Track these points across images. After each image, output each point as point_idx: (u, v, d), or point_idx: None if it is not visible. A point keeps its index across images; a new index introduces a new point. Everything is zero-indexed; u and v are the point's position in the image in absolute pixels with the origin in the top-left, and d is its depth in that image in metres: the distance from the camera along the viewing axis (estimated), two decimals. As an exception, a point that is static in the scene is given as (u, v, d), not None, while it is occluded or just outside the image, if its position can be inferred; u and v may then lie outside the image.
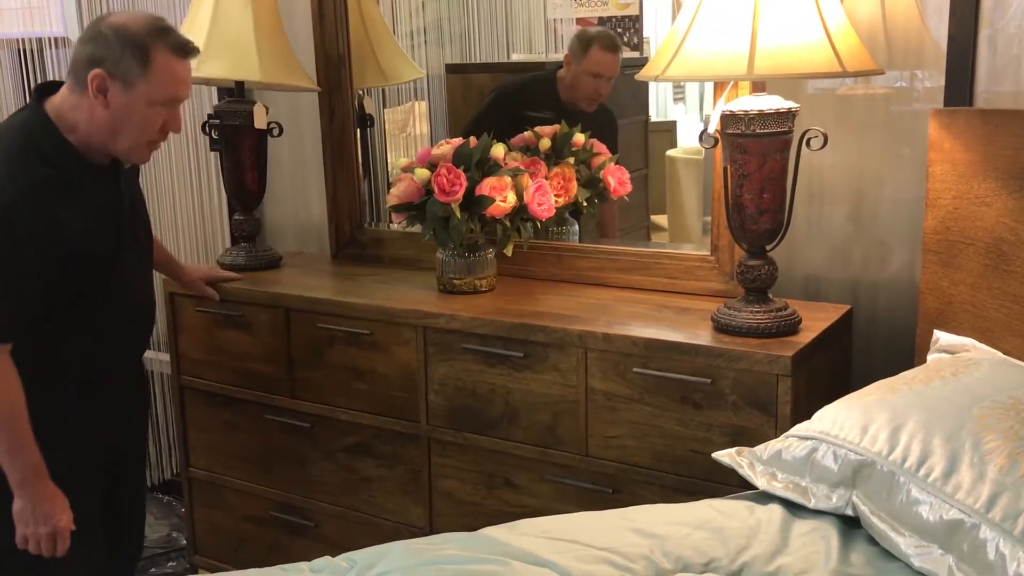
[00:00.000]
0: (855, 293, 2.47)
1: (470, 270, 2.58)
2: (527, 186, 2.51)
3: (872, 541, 1.63)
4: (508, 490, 2.43)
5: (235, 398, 2.84)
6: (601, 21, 2.83)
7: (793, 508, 1.74)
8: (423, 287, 2.67)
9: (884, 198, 2.40)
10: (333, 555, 1.73)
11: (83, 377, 2.27)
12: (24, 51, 3.33)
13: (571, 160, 2.72)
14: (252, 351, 2.77)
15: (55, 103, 2.15)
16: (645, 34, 2.83)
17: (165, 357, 3.34)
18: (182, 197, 3.51)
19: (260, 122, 2.85)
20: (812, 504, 1.71)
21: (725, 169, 2.15)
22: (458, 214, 2.47)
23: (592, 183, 2.74)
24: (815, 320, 2.22)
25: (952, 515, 1.51)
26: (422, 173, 2.50)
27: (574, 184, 2.70)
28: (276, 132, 2.93)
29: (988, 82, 2.22)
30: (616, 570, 1.56)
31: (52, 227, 2.08)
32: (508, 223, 2.53)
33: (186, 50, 2.15)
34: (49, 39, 3.38)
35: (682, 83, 2.98)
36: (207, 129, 2.90)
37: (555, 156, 2.74)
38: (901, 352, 2.37)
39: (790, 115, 2.07)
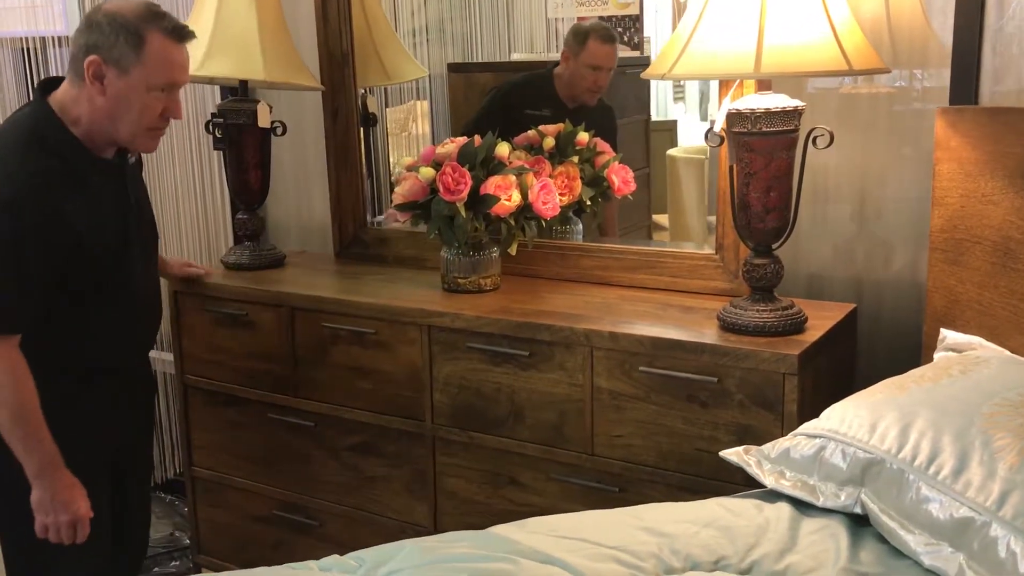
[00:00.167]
0: (859, 292, 2.47)
1: (474, 269, 2.58)
2: (532, 185, 2.51)
3: (881, 539, 1.63)
4: (513, 489, 2.43)
5: (239, 397, 2.84)
6: (601, 20, 2.84)
7: (801, 506, 1.74)
8: (427, 286, 2.66)
9: (887, 197, 2.41)
10: (338, 554, 1.73)
11: (89, 373, 2.27)
12: (27, 50, 3.32)
13: (575, 159, 2.72)
14: (256, 350, 2.77)
15: (58, 97, 2.16)
16: (645, 33, 2.83)
17: (168, 356, 3.34)
18: (185, 196, 3.51)
19: (264, 121, 2.85)
20: (821, 502, 1.71)
21: (731, 168, 2.15)
22: (463, 213, 2.46)
23: (596, 182, 2.74)
24: (820, 319, 2.22)
25: (962, 513, 1.51)
26: (427, 172, 2.49)
27: (578, 183, 2.70)
28: (280, 131, 2.93)
29: (993, 80, 2.22)
30: (626, 568, 1.56)
31: (58, 219, 2.09)
32: (513, 222, 2.53)
33: (181, 34, 2.14)
34: (52, 38, 3.38)
35: (682, 82, 2.98)
36: (211, 128, 2.90)
37: (559, 155, 2.74)
38: (905, 351, 2.37)
39: (796, 113, 2.07)
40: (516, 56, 3.06)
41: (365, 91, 3.09)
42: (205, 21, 2.76)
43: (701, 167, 2.88)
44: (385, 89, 3.23)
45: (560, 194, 2.61)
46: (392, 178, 3.23)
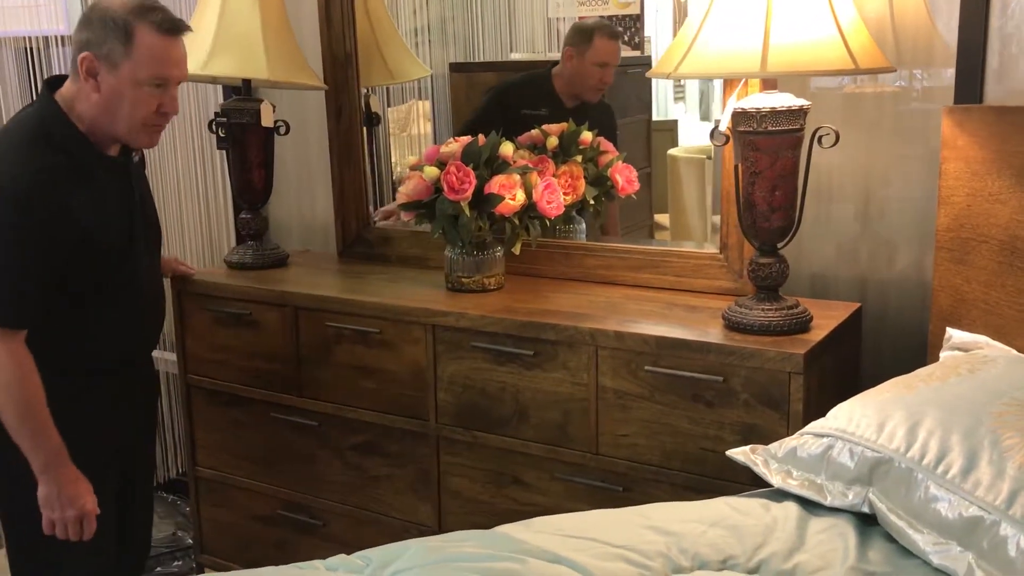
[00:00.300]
0: (863, 291, 2.47)
1: (478, 268, 2.58)
2: (536, 184, 2.51)
3: (889, 538, 1.63)
4: (518, 488, 2.43)
5: (242, 397, 2.83)
6: (584, 20, 2.85)
7: (809, 505, 1.74)
8: (431, 285, 2.66)
9: (891, 196, 2.40)
10: (344, 554, 1.72)
11: (93, 371, 2.28)
12: (30, 49, 3.32)
13: (578, 158, 2.72)
14: (259, 350, 2.76)
15: (63, 94, 2.17)
16: (646, 33, 2.83)
17: (170, 356, 3.34)
18: (187, 195, 3.51)
19: (267, 120, 2.85)
20: (828, 501, 1.71)
21: (736, 167, 2.15)
22: (467, 212, 2.46)
23: (600, 181, 2.75)
24: (825, 318, 2.22)
25: (971, 512, 1.51)
26: (431, 171, 2.49)
27: (582, 182, 2.71)
28: (283, 130, 2.93)
29: (998, 80, 2.22)
30: (634, 567, 1.56)
31: (65, 214, 2.09)
32: (517, 221, 2.53)
33: (173, 28, 2.12)
34: (54, 37, 3.38)
35: (682, 82, 2.99)
36: (214, 127, 2.90)
37: (562, 154, 2.74)
38: (909, 350, 2.37)
39: (802, 112, 2.07)
40: (516, 56, 3.06)
41: (368, 91, 3.08)
42: (209, 20, 2.76)
43: (702, 167, 2.88)
44: (387, 89, 3.23)
45: (564, 193, 2.61)
46: (394, 177, 3.24)
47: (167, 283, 2.84)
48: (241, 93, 2.90)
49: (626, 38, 2.82)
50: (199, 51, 2.73)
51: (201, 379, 2.91)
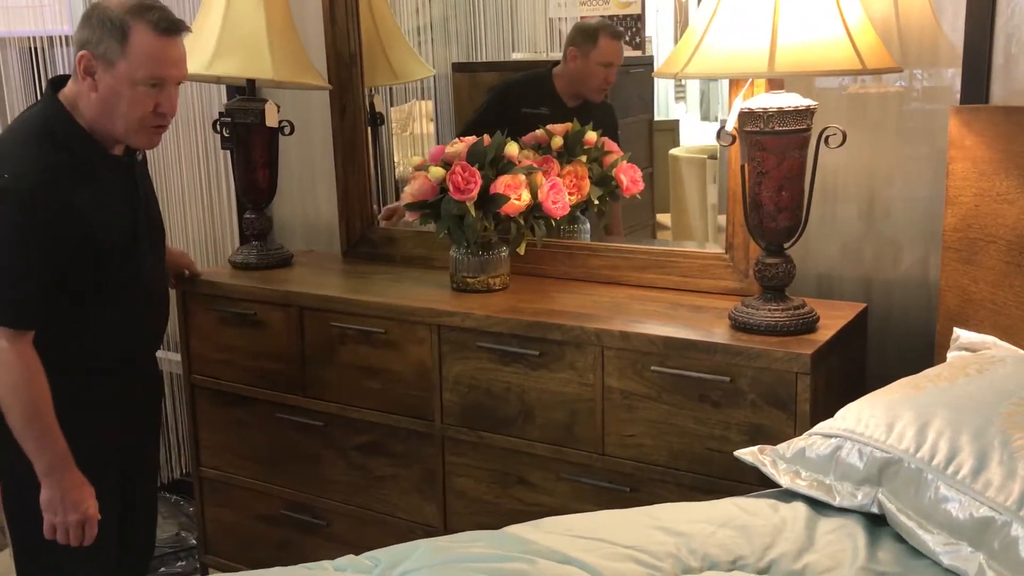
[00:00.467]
0: (868, 291, 2.47)
1: (483, 268, 2.58)
2: (542, 184, 2.51)
3: (899, 539, 1.63)
4: (523, 489, 2.43)
5: (246, 397, 2.83)
6: (587, 21, 2.85)
7: (817, 506, 1.74)
8: (436, 285, 2.66)
9: (896, 196, 2.40)
10: (346, 554, 1.72)
11: (96, 369, 2.27)
12: (34, 50, 3.32)
13: (583, 158, 2.72)
14: (264, 350, 2.76)
15: (66, 93, 2.17)
16: (647, 33, 2.84)
17: (174, 356, 3.34)
18: (191, 196, 3.51)
19: (272, 120, 2.85)
20: (837, 502, 1.71)
21: (743, 167, 2.15)
22: (473, 212, 2.46)
23: (604, 181, 2.74)
24: (831, 318, 2.22)
25: (982, 512, 1.51)
26: (437, 171, 2.49)
27: (587, 182, 2.70)
28: (287, 131, 2.92)
29: (1004, 80, 2.22)
30: (644, 568, 1.56)
31: (69, 213, 2.09)
32: (522, 221, 2.53)
33: (169, 28, 2.11)
34: (59, 37, 3.38)
35: (683, 82, 2.99)
36: (218, 127, 2.89)
37: (567, 154, 2.74)
38: (915, 350, 2.37)
39: (809, 112, 2.07)
40: (517, 56, 3.06)
41: (372, 91, 3.08)
42: (213, 21, 2.76)
43: (703, 167, 2.88)
44: (390, 89, 3.22)
45: (568, 193, 2.60)
46: (396, 177, 3.23)
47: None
48: (245, 93, 2.90)
49: (627, 38, 2.82)
50: (204, 51, 2.73)
51: (205, 379, 2.91)
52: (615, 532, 1.67)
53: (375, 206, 3.08)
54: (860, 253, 2.47)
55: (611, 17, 2.83)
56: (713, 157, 2.85)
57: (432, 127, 3.26)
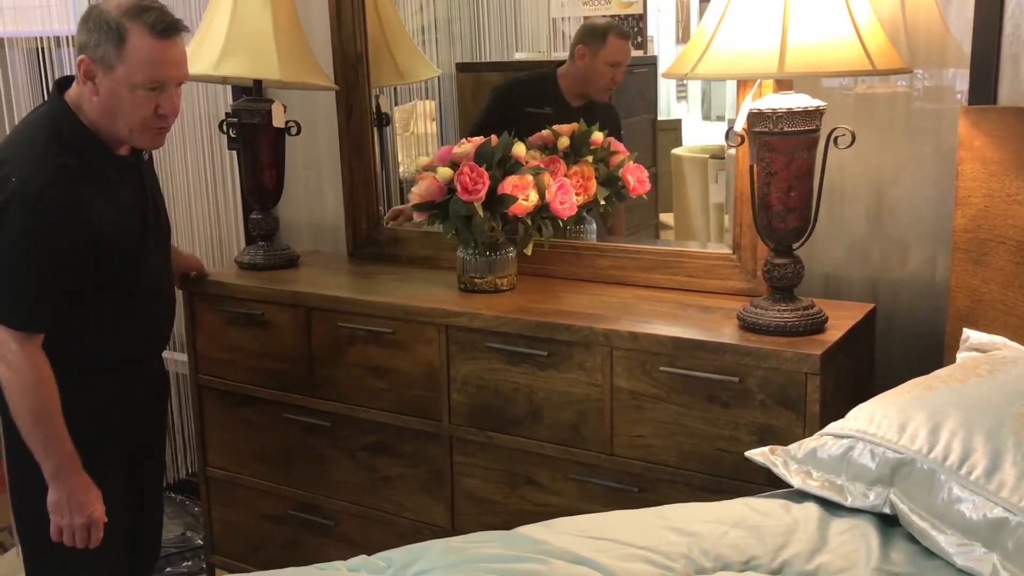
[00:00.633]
0: (875, 291, 2.47)
1: (491, 269, 2.58)
2: (549, 185, 2.51)
3: (911, 539, 1.63)
4: (531, 489, 2.43)
5: (254, 397, 2.83)
6: (596, 20, 2.86)
7: (829, 506, 1.74)
8: (443, 286, 2.66)
9: (903, 196, 2.41)
10: (353, 554, 1.73)
11: (105, 368, 2.28)
12: (41, 50, 3.32)
13: (589, 158, 2.72)
14: (271, 350, 2.76)
15: (70, 95, 2.17)
16: (649, 33, 2.84)
17: (180, 357, 3.34)
18: (197, 196, 3.51)
19: (278, 121, 2.85)
20: (849, 502, 1.71)
21: (751, 168, 2.15)
22: (481, 213, 2.46)
23: (611, 182, 2.75)
24: (840, 318, 2.22)
25: (996, 513, 1.51)
26: (445, 172, 2.49)
27: (593, 183, 2.71)
28: (294, 131, 2.92)
29: (1012, 80, 2.22)
30: (656, 568, 1.56)
31: (79, 214, 2.09)
32: (530, 222, 2.53)
33: (166, 30, 2.09)
34: (65, 37, 3.37)
35: (685, 81, 2.99)
36: (225, 128, 2.89)
37: (573, 154, 2.74)
38: (922, 350, 2.38)
39: (818, 113, 2.07)
40: (520, 56, 3.07)
41: (378, 91, 3.08)
42: (220, 21, 2.76)
43: (705, 166, 2.88)
44: (393, 88, 3.23)
45: (575, 194, 2.61)
46: (400, 177, 3.24)
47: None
48: (251, 93, 2.90)
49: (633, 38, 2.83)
50: (211, 52, 2.73)
51: (212, 379, 2.91)
52: (627, 532, 1.67)
53: (381, 207, 3.08)
54: (867, 253, 2.47)
55: (613, 17, 2.84)
56: (715, 157, 2.85)
57: (434, 127, 3.26)
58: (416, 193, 2.54)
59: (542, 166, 2.57)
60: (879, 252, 2.46)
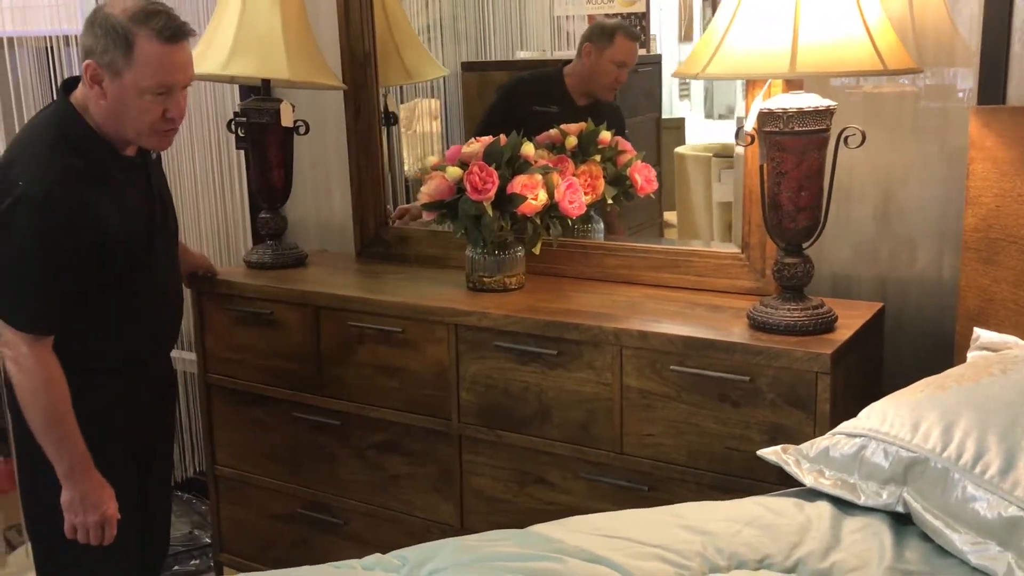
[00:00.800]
0: (883, 291, 2.47)
1: (499, 268, 2.59)
2: (558, 184, 2.51)
3: (925, 538, 1.64)
4: (541, 487, 2.43)
5: (263, 396, 2.84)
6: (607, 18, 2.87)
7: (842, 505, 1.74)
8: (452, 285, 2.67)
9: (911, 195, 2.41)
10: (362, 553, 1.73)
11: (112, 368, 2.28)
12: (50, 49, 3.32)
13: (597, 158, 2.73)
14: (280, 349, 2.77)
15: (76, 97, 2.17)
16: (651, 31, 2.85)
17: (188, 356, 3.34)
18: (204, 195, 3.51)
19: (287, 120, 2.86)
20: (862, 501, 1.71)
21: (761, 167, 2.15)
22: (490, 212, 2.47)
23: (618, 181, 2.75)
24: (849, 318, 2.23)
25: (1011, 512, 1.51)
26: (454, 171, 2.50)
27: (601, 182, 2.71)
28: (303, 130, 2.93)
29: (1021, 80, 2.23)
30: (672, 567, 1.57)
31: (86, 215, 2.09)
32: (538, 221, 2.53)
33: (173, 35, 2.09)
34: (74, 36, 3.37)
35: (687, 80, 2.99)
36: (233, 127, 2.90)
37: (581, 154, 2.74)
38: (930, 349, 2.38)
39: (828, 113, 2.07)
40: (523, 54, 3.07)
41: (385, 90, 3.09)
42: (229, 21, 2.76)
43: (708, 164, 2.88)
44: (401, 88, 3.23)
45: (584, 193, 2.61)
46: (406, 176, 3.24)
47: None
48: (259, 93, 2.91)
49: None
50: (220, 51, 2.73)
51: (221, 378, 2.92)
52: (641, 531, 1.68)
53: (389, 206, 3.09)
54: (875, 253, 2.48)
55: (616, 15, 2.84)
56: (718, 155, 2.86)
57: (437, 125, 3.26)
58: (425, 192, 2.55)
59: (550, 165, 2.58)
60: (887, 251, 2.46)
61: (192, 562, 3.32)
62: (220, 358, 2.90)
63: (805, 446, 1.85)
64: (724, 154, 2.81)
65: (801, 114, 2.05)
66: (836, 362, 2.04)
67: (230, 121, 2.91)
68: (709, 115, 3.07)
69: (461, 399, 2.50)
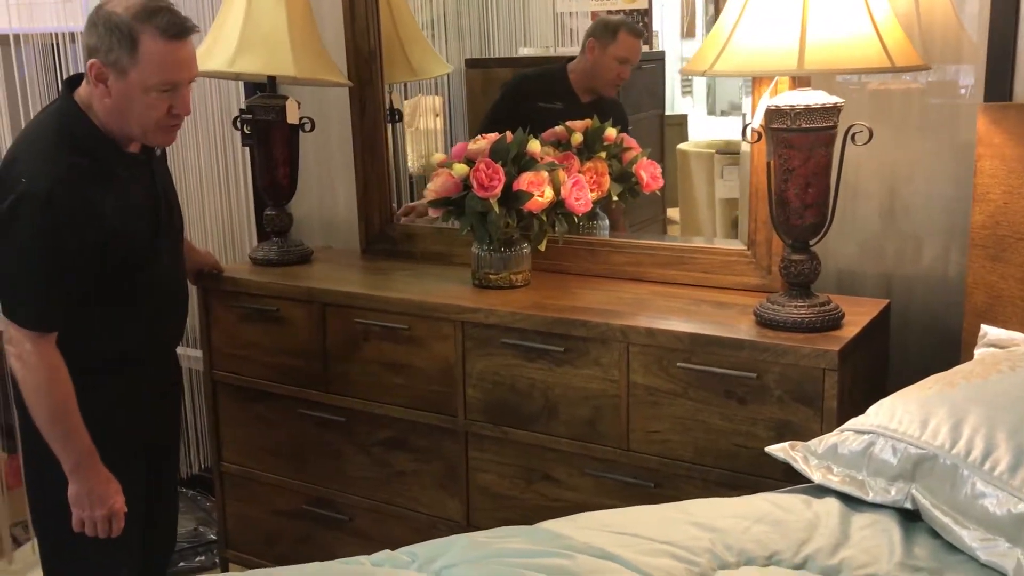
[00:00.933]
0: (888, 287, 2.48)
1: (505, 265, 2.59)
2: (564, 181, 2.51)
3: (934, 534, 1.64)
4: (547, 484, 2.44)
5: (268, 393, 2.84)
6: (610, 14, 2.87)
7: (850, 502, 1.75)
8: (457, 282, 2.67)
9: (917, 192, 2.42)
10: (368, 549, 1.74)
11: (122, 361, 2.28)
12: (56, 45, 3.32)
13: (603, 155, 2.73)
14: (286, 346, 2.77)
15: (80, 95, 2.17)
16: (653, 28, 2.85)
17: (194, 352, 3.34)
18: (209, 192, 3.51)
19: (292, 117, 2.86)
20: (870, 498, 1.71)
21: (768, 164, 2.15)
22: (496, 209, 2.47)
23: (624, 177, 2.75)
24: (856, 314, 2.23)
25: (1020, 508, 1.51)
26: (461, 168, 2.50)
27: (607, 179, 2.71)
28: (308, 127, 2.93)
29: (1025, 77, 2.24)
30: (681, 563, 1.57)
31: (89, 213, 2.10)
32: (544, 218, 2.53)
33: (178, 31, 2.09)
34: (80, 33, 3.37)
35: (690, 76, 2.99)
36: (239, 124, 2.90)
37: (587, 151, 2.75)
38: (936, 346, 2.39)
39: (836, 110, 2.07)
40: (525, 51, 3.07)
41: (390, 87, 3.09)
42: (234, 18, 2.76)
43: (711, 161, 2.88)
44: (404, 85, 3.23)
45: (589, 190, 2.61)
46: (410, 173, 3.24)
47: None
48: (264, 90, 2.91)
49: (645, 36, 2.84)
50: (225, 49, 2.73)
51: (227, 375, 2.92)
52: (650, 528, 1.68)
53: (394, 203, 3.09)
54: (881, 249, 2.48)
55: (618, 11, 2.85)
56: (721, 151, 2.86)
57: (439, 122, 3.26)
58: (432, 189, 2.55)
59: (556, 162, 2.58)
60: (892, 248, 2.47)
61: (197, 558, 3.33)
62: (226, 355, 2.90)
63: (813, 443, 1.85)
64: (727, 150, 2.82)
65: (809, 111, 2.05)
66: (843, 359, 2.04)
67: (236, 118, 2.92)
68: (711, 111, 3.08)
69: (467, 396, 2.50)
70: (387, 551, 1.70)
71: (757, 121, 2.13)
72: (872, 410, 1.81)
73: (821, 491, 1.79)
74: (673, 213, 2.99)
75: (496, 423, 2.47)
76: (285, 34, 2.74)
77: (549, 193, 2.49)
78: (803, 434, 2.04)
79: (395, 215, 3.08)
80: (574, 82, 2.91)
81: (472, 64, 3.16)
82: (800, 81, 2.10)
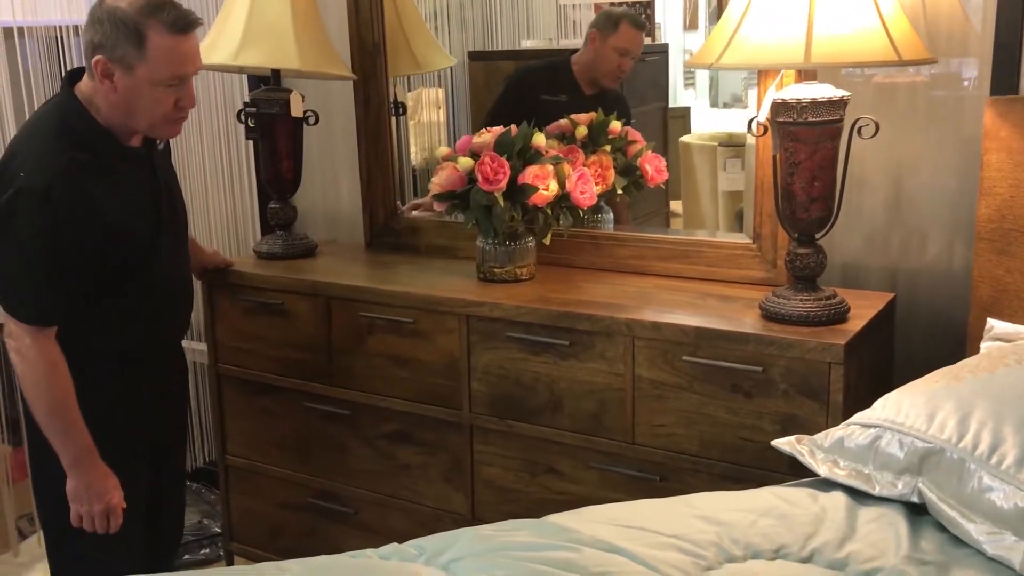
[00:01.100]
0: (894, 281, 2.48)
1: (510, 259, 2.59)
2: (569, 175, 2.51)
3: (940, 528, 1.64)
4: (552, 477, 2.44)
5: (273, 386, 2.84)
6: (613, 6, 2.87)
7: (856, 495, 1.75)
8: (462, 275, 2.67)
9: (923, 185, 2.41)
10: (372, 542, 1.74)
11: (122, 360, 2.28)
12: (60, 39, 3.32)
13: (607, 148, 2.73)
14: (291, 339, 2.77)
15: (81, 89, 2.16)
16: (656, 20, 2.84)
17: (198, 346, 3.34)
18: (213, 185, 3.51)
19: (297, 110, 2.85)
20: (877, 491, 1.71)
21: (774, 157, 2.15)
22: (501, 203, 2.47)
23: (629, 171, 2.75)
24: (861, 308, 2.23)
25: (1028, 502, 1.52)
26: (466, 162, 2.50)
27: (611, 172, 2.71)
28: (312, 120, 2.93)
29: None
30: (688, 556, 1.57)
31: (90, 208, 2.09)
32: (549, 211, 2.53)
33: (184, 25, 2.09)
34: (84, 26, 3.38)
35: (692, 68, 2.99)
36: (243, 117, 2.89)
37: (591, 144, 2.74)
38: (941, 339, 2.38)
39: (842, 103, 2.07)
40: (528, 43, 3.07)
41: (395, 80, 3.09)
42: (239, 11, 2.76)
43: (713, 154, 2.88)
44: (407, 77, 3.23)
45: (594, 183, 2.61)
46: (413, 166, 3.24)
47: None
48: (268, 83, 2.90)
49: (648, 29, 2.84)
50: (230, 42, 2.73)
51: (231, 368, 2.92)
52: (656, 521, 1.68)
53: (399, 196, 3.08)
54: (886, 243, 2.48)
55: (621, 3, 2.84)
56: (724, 144, 2.86)
57: (442, 115, 3.26)
58: (436, 183, 2.55)
59: (561, 156, 2.58)
60: (897, 241, 2.46)
61: (202, 551, 3.33)
62: (231, 348, 2.91)
63: (819, 436, 1.85)
64: (730, 143, 2.81)
65: (815, 104, 2.04)
66: (849, 352, 2.04)
67: (240, 111, 2.91)
68: (714, 104, 3.08)
69: (472, 389, 2.50)
70: (394, 544, 1.70)
71: (763, 114, 2.13)
72: (878, 404, 1.81)
73: (827, 485, 1.79)
74: (676, 206, 2.98)
75: (501, 416, 2.47)
76: (289, 27, 2.73)
77: (554, 186, 2.49)
78: (809, 428, 2.04)
79: (399, 208, 3.08)
80: (578, 74, 2.90)
81: (475, 56, 3.16)
82: (806, 74, 2.10)
